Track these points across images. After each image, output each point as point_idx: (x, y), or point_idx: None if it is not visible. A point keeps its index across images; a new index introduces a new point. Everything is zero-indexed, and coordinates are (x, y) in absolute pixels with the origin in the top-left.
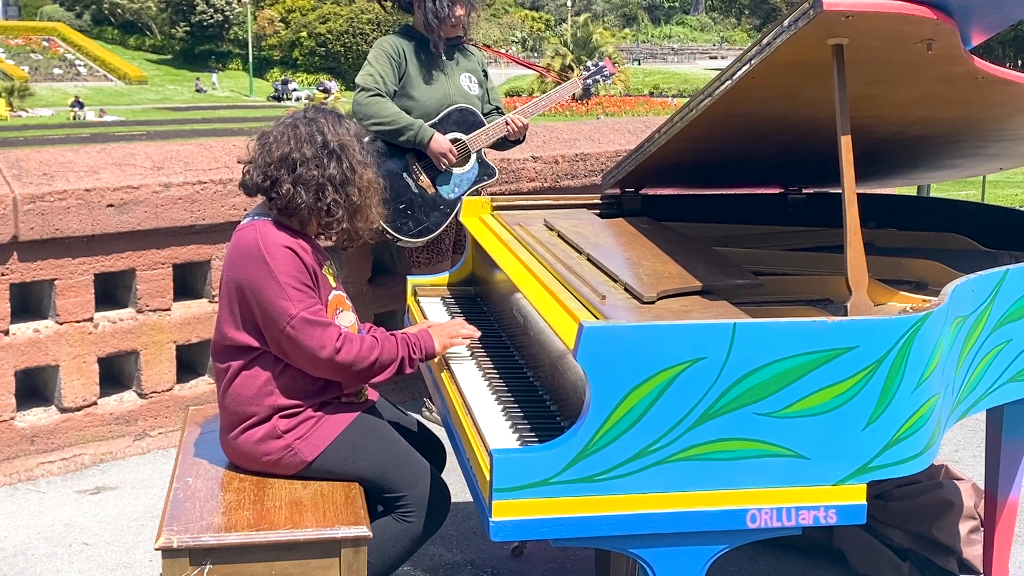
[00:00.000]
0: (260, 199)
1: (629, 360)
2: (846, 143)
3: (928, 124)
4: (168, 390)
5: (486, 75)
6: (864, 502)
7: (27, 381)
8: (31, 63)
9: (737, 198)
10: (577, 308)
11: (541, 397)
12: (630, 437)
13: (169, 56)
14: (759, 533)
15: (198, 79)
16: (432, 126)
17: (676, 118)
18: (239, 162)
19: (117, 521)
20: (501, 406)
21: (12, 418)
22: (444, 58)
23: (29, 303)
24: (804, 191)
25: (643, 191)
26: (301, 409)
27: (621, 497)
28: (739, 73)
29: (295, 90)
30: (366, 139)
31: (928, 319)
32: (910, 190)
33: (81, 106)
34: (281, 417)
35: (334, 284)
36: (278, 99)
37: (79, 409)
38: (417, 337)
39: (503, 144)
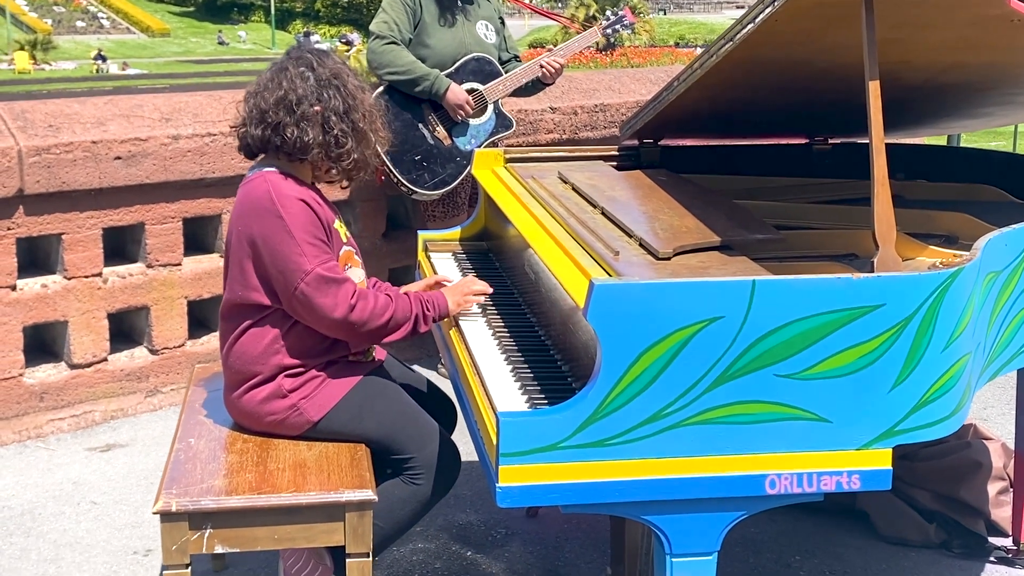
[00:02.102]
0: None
1: (642, 319)
2: (874, 89)
3: (960, 70)
4: (180, 346)
5: (503, 23)
6: (889, 467)
7: (36, 337)
8: (54, 16)
9: (760, 149)
10: (589, 264)
11: (552, 357)
12: (643, 400)
13: (191, 8)
14: (779, 499)
15: (220, 31)
16: (448, 76)
17: (696, 65)
18: (232, 128)
19: (126, 479)
20: (510, 366)
21: (21, 375)
22: (461, 4)
23: (37, 257)
24: (830, 141)
25: (662, 142)
26: (307, 368)
27: (634, 462)
28: (762, 16)
29: (317, 42)
30: (381, 87)
31: (959, 275)
32: (939, 140)
33: (104, 59)
34: (286, 376)
35: (345, 239)
36: None
37: (89, 365)
38: (430, 296)
39: (529, 89)
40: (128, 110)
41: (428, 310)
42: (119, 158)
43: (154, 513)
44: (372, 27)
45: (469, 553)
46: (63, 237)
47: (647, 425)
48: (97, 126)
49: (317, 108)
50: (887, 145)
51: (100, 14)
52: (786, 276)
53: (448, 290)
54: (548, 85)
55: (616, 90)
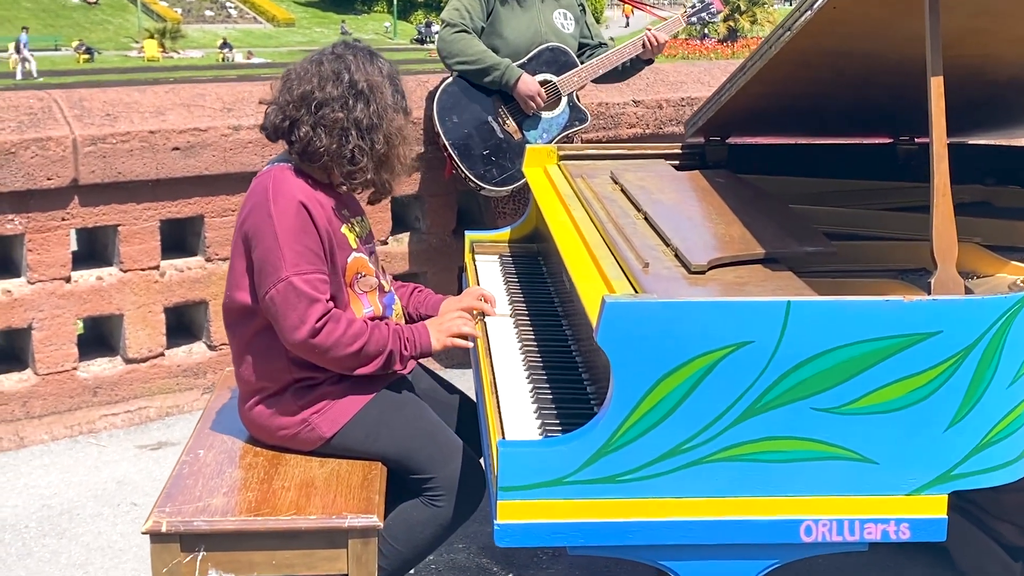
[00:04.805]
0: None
1: (660, 342)
2: (937, 86)
3: None
4: None
5: (583, 10)
6: (944, 516)
7: (95, 330)
8: (184, 5)
9: (839, 149)
10: (615, 276)
11: (579, 376)
12: (661, 432)
13: None
14: (816, 548)
15: (344, 21)
16: (521, 66)
17: (756, 56)
18: (261, 102)
19: None
20: (531, 385)
21: (74, 368)
22: None
23: (95, 249)
24: (917, 141)
25: (730, 140)
26: (319, 381)
27: (649, 501)
28: (819, 2)
29: (436, 32)
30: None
31: None
32: None
33: (230, 48)
34: (298, 388)
35: (355, 245)
36: (421, 42)
37: (145, 360)
38: (412, 331)
39: (620, 74)
40: (189, 99)
41: (406, 349)
42: (177, 148)
43: (143, 533)
44: (443, 15)
45: (512, 574)
46: (119, 229)
47: (665, 460)
48: (156, 115)
49: (340, 115)
50: (975, 146)
51: (228, 3)
52: (827, 297)
53: (433, 324)
54: (648, 63)
55: (705, 83)
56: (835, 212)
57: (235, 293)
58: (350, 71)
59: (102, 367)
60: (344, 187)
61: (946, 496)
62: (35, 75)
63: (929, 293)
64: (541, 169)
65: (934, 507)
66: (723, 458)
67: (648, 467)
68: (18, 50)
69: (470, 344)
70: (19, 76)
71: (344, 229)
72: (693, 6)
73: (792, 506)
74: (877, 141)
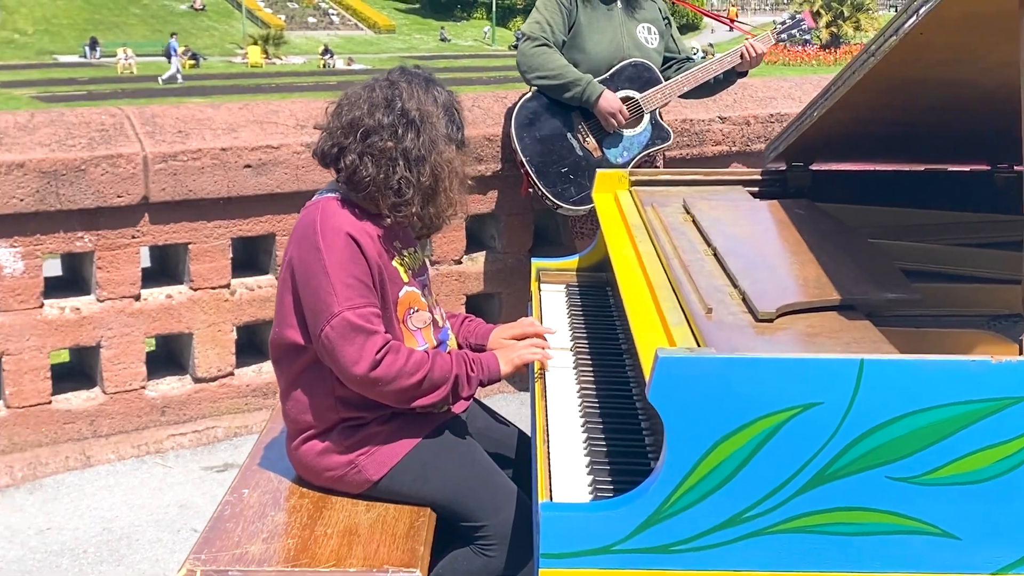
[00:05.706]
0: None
1: (719, 402)
2: None
3: None
4: None
5: (668, 23)
6: None
7: (164, 348)
8: (287, 12)
9: (930, 176)
10: (676, 323)
11: (638, 426)
12: (719, 499)
13: (417, 5)
14: None
15: (443, 28)
16: (602, 82)
17: (840, 81)
18: (316, 127)
19: None
20: (586, 435)
21: (143, 387)
22: (620, 6)
23: (166, 267)
24: (1016, 169)
25: (814, 166)
26: (368, 420)
27: (706, 575)
28: (906, 26)
29: (518, 45)
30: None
31: None
32: None
33: (331, 54)
34: (345, 428)
35: (406, 279)
36: None
37: (214, 380)
38: (479, 356)
39: (713, 87)
40: (262, 116)
41: (472, 371)
42: (249, 166)
43: None
44: (523, 28)
45: None
46: (189, 247)
47: (723, 530)
48: (228, 132)
49: (389, 144)
50: None
51: (331, 11)
52: (905, 356)
53: (502, 351)
54: (742, 75)
55: (796, 98)
56: (920, 248)
57: (284, 330)
58: (402, 98)
59: (171, 386)
60: (390, 219)
61: None
62: (179, 80)
63: (1021, 351)
64: (611, 195)
65: None
66: (788, 529)
67: (705, 537)
68: (168, 55)
69: (540, 359)
70: (164, 80)
71: (395, 262)
72: (784, 22)
73: None
74: (973, 168)
